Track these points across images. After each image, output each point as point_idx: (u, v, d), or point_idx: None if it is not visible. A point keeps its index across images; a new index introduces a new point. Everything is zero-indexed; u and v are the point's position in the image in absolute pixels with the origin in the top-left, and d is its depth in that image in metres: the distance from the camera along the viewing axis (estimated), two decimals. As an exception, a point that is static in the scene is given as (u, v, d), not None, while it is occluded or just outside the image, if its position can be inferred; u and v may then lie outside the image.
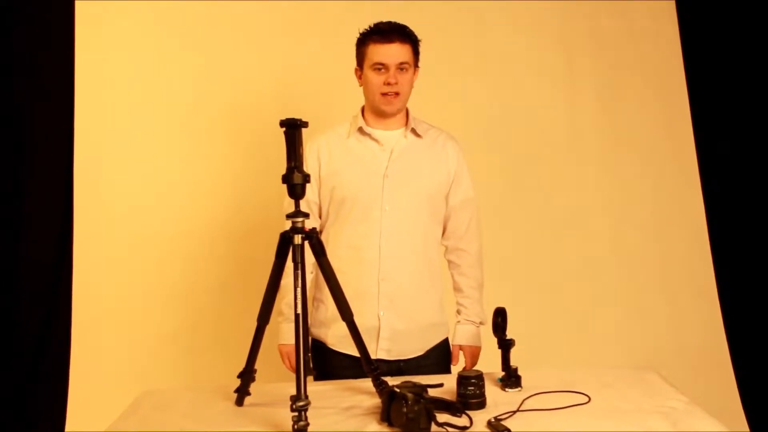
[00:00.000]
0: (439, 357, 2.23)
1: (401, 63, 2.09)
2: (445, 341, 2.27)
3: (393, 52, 2.08)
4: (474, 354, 2.24)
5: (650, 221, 3.29)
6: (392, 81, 2.08)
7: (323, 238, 2.21)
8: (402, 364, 2.15)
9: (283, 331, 2.17)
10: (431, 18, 3.05)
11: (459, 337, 2.25)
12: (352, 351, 1.91)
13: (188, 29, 3.08)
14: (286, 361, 2.20)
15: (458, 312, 2.26)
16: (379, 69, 2.09)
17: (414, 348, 2.18)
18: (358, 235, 2.13)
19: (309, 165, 2.17)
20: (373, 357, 2.09)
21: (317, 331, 2.21)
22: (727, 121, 3.21)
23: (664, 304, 3.27)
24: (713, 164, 3.25)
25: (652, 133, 3.30)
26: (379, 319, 2.13)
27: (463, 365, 2.25)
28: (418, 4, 2.96)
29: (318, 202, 2.20)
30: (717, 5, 3.16)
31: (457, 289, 2.27)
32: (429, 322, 2.21)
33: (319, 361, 2.20)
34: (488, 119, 3.19)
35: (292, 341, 2.08)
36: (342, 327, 1.80)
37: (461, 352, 2.25)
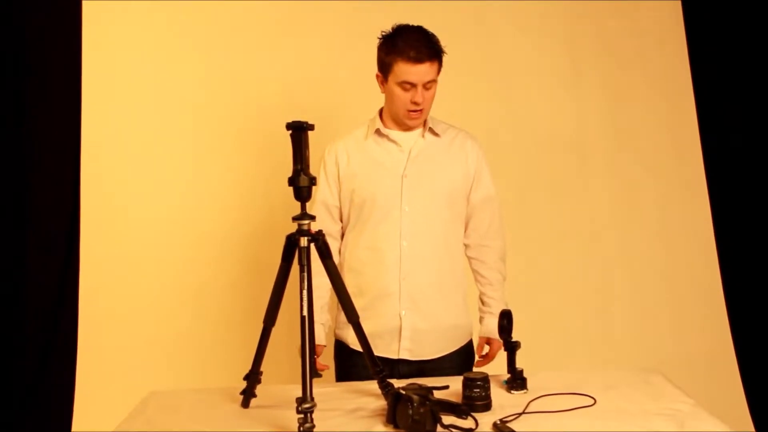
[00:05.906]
0: (462, 359, 2.21)
1: (428, 82, 2.07)
2: (469, 343, 2.26)
3: (423, 73, 2.05)
4: (500, 346, 2.20)
5: (656, 223, 3.28)
6: (419, 100, 2.06)
7: (344, 241, 2.22)
8: (424, 365, 2.14)
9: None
10: (435, 19, 3.02)
11: (487, 330, 2.21)
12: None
13: (196, 31, 3.08)
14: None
15: (483, 303, 2.23)
16: (407, 88, 2.07)
17: (437, 348, 2.17)
18: (378, 237, 2.13)
19: (328, 169, 2.19)
20: (395, 357, 2.12)
21: (340, 332, 2.22)
22: (733, 123, 3.20)
23: (669, 306, 3.26)
24: (720, 166, 3.24)
25: (658, 135, 3.29)
26: (400, 319, 2.12)
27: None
28: (421, 5, 2.95)
29: (338, 205, 2.21)
30: (723, 6, 3.15)
31: (481, 281, 2.24)
32: (452, 322, 2.20)
33: (342, 361, 2.21)
34: (493, 121, 3.17)
35: (319, 342, 2.13)
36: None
37: (487, 345, 2.22)
